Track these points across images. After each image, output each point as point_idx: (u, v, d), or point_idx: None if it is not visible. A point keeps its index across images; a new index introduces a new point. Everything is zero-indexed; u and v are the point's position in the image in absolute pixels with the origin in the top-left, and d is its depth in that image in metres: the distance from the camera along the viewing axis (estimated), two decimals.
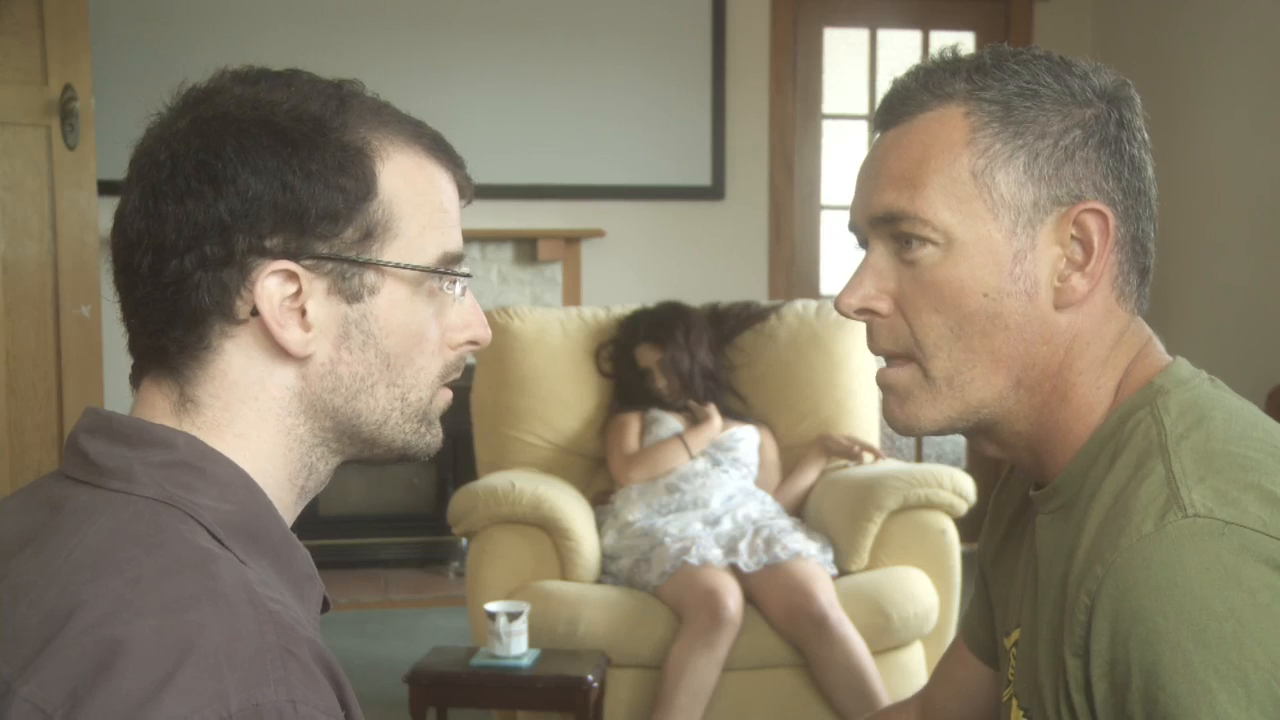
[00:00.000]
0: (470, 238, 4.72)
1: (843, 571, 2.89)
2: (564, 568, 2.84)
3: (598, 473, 3.29)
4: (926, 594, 2.83)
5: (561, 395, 3.26)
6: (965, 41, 5.16)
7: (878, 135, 0.99)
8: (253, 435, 0.83)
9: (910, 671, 2.83)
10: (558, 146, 4.81)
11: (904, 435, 1.00)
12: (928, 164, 0.92)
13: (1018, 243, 0.91)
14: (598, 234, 4.82)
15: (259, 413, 0.83)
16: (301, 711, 0.68)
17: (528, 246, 4.82)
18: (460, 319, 0.90)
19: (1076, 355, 0.93)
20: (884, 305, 0.96)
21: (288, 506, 0.86)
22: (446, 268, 0.87)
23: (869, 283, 0.96)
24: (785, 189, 5.01)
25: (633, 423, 3.19)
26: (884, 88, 0.97)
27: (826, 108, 5.10)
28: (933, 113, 0.94)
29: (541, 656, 2.55)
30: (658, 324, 3.22)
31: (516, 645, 2.51)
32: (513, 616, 2.51)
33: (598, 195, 4.86)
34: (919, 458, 5.13)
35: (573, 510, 2.89)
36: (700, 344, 3.22)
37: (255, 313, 0.81)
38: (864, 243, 0.98)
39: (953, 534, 2.94)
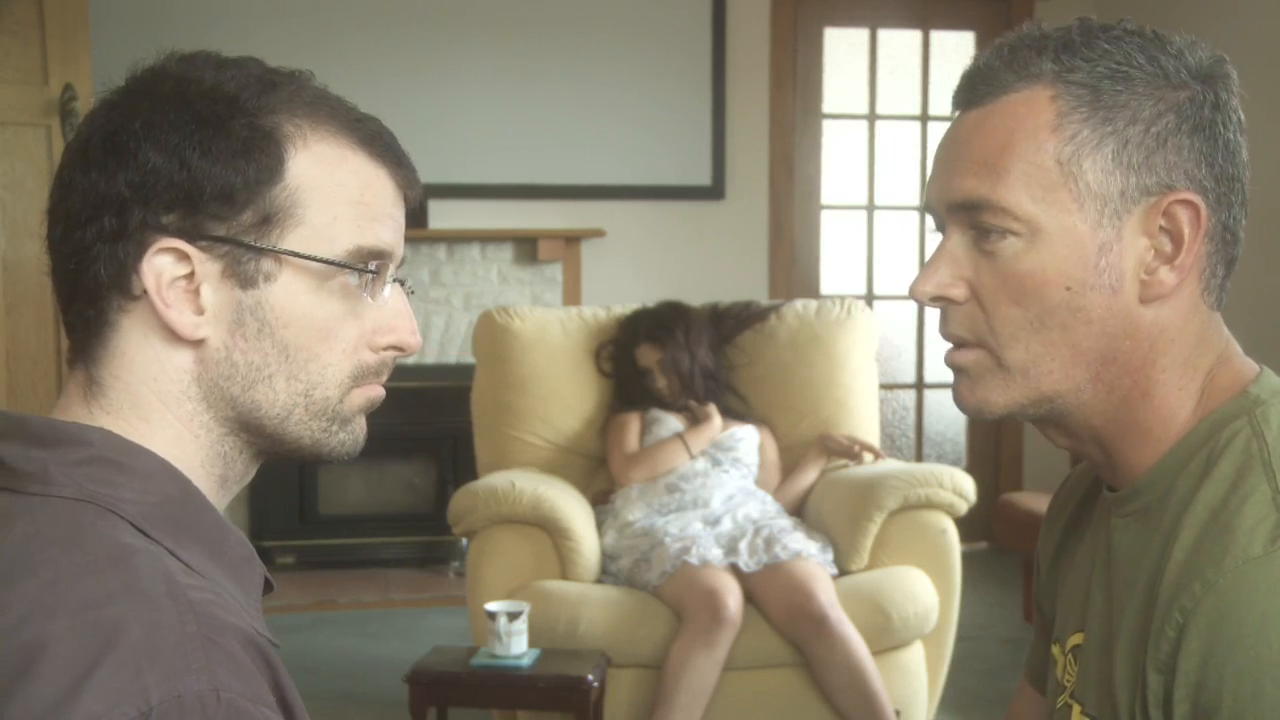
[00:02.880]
0: (470, 237, 4.73)
1: (843, 571, 2.89)
2: (564, 567, 2.84)
3: (598, 472, 3.28)
4: (927, 594, 2.83)
5: (562, 395, 3.26)
6: (965, 41, 5.17)
7: (958, 114, 0.94)
8: (156, 419, 0.81)
9: (910, 671, 2.83)
10: (558, 146, 4.81)
11: (973, 417, 0.98)
12: (1012, 150, 0.89)
13: (1103, 234, 0.88)
14: (598, 234, 4.82)
15: (159, 395, 0.81)
16: (224, 699, 0.67)
17: (528, 246, 4.82)
18: (383, 321, 0.86)
19: (1161, 352, 0.90)
20: (959, 293, 0.92)
21: (210, 495, 0.84)
22: (362, 263, 0.83)
23: (945, 269, 0.93)
24: (785, 189, 5.01)
25: (633, 422, 3.19)
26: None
27: (826, 107, 5.10)
28: (1018, 94, 0.90)
29: (541, 656, 2.55)
30: (658, 324, 3.22)
31: (516, 645, 2.51)
32: (513, 616, 2.51)
33: (598, 195, 4.86)
34: (919, 458, 5.13)
35: (573, 510, 2.89)
36: (700, 344, 3.22)
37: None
38: (941, 226, 0.95)
39: (953, 534, 2.94)
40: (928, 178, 0.97)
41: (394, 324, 0.86)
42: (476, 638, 2.79)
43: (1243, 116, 0.92)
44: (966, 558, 3.00)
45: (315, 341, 0.83)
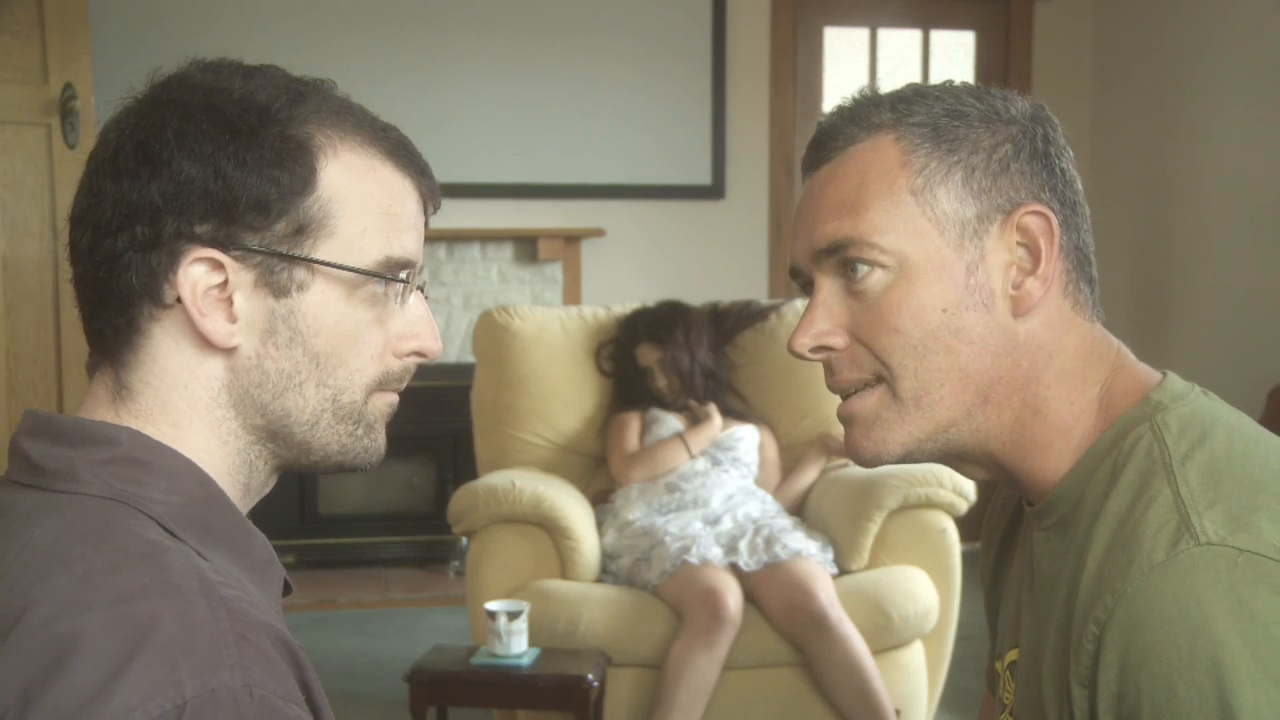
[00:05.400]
0: (470, 237, 4.73)
1: (843, 571, 2.89)
2: (564, 567, 2.84)
3: (598, 472, 3.29)
4: (927, 593, 2.83)
5: (562, 394, 3.26)
6: (965, 41, 5.17)
7: (808, 178, 0.98)
8: (186, 426, 0.82)
9: (910, 671, 2.83)
10: (558, 146, 4.81)
11: (870, 466, 0.96)
12: (866, 189, 0.92)
13: (967, 255, 0.91)
14: (598, 233, 4.82)
15: (189, 402, 0.82)
16: (257, 696, 0.68)
17: (528, 246, 4.82)
18: (407, 328, 0.87)
19: (1042, 367, 0.92)
20: (839, 340, 0.94)
21: (234, 501, 0.85)
22: (390, 273, 0.85)
23: (821, 319, 0.95)
24: (785, 189, 5.01)
25: (633, 422, 3.19)
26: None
27: (826, 107, 5.08)
28: (863, 144, 0.94)
29: (541, 656, 2.55)
30: (658, 323, 3.22)
31: (517, 644, 2.51)
32: (513, 615, 2.51)
33: (598, 194, 4.86)
34: None
35: (573, 509, 2.89)
36: (700, 343, 3.22)
37: (181, 299, 0.80)
38: (808, 285, 0.97)
39: (953, 533, 2.94)
40: (791, 243, 1.00)
41: (417, 330, 0.88)
42: (476, 637, 2.79)
43: (1073, 154, 0.97)
44: (967, 557, 3.00)
45: (344, 348, 0.84)
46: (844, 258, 0.93)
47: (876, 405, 0.94)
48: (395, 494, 4.92)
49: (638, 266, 4.88)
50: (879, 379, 0.94)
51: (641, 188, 4.89)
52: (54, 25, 2.84)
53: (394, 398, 0.90)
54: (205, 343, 0.81)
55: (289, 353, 0.83)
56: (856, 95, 0.97)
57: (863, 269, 0.92)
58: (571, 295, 4.84)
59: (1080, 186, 0.96)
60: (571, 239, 4.81)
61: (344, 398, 0.85)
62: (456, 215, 4.69)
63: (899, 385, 0.92)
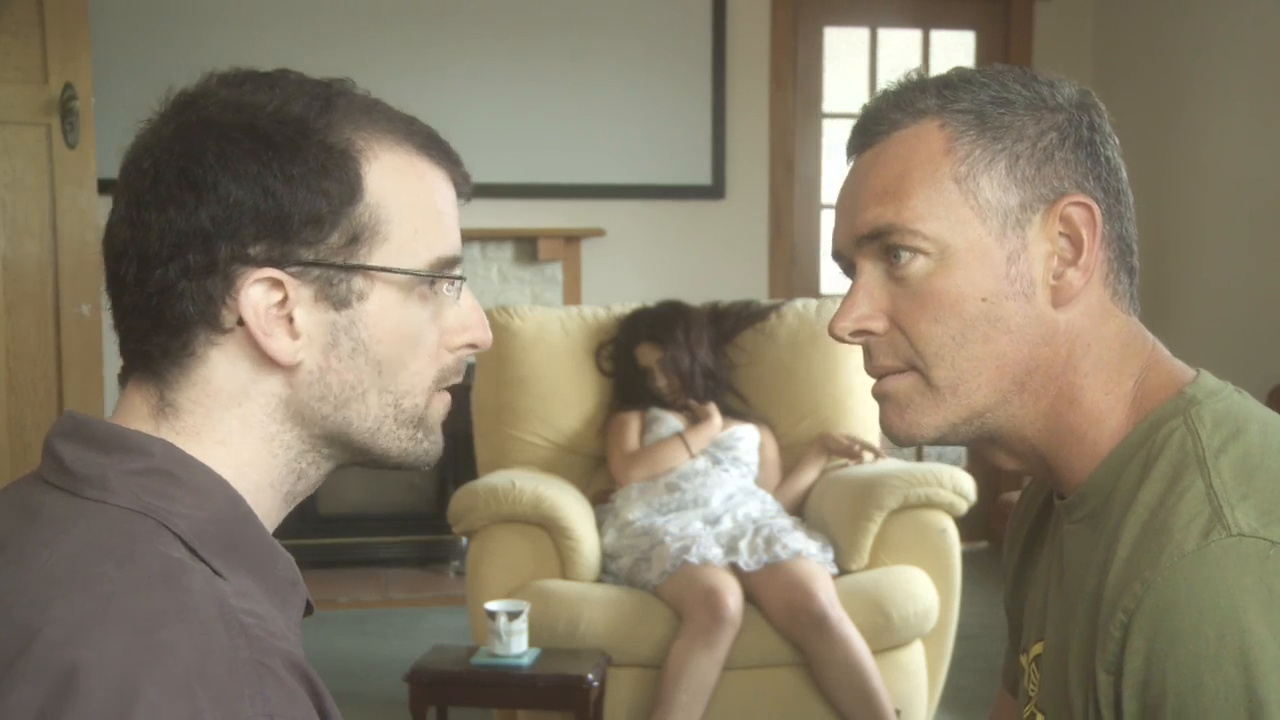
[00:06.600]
0: (470, 237, 4.72)
1: (843, 570, 2.89)
2: (564, 567, 2.84)
3: (598, 472, 3.29)
4: (927, 593, 2.83)
5: (562, 394, 3.26)
6: (965, 41, 5.17)
7: (852, 161, 0.99)
8: (235, 442, 0.81)
9: (910, 671, 2.83)
10: (558, 145, 4.81)
11: (904, 445, 0.99)
12: (910, 176, 0.92)
13: (1009, 244, 0.91)
14: (598, 233, 4.82)
15: (242, 420, 0.81)
16: None
17: (528, 245, 4.82)
18: (458, 321, 0.87)
19: (1079, 356, 0.93)
20: (879, 324, 0.95)
21: (272, 512, 0.84)
22: (441, 271, 0.84)
23: (862, 303, 0.95)
24: (785, 188, 5.01)
25: (633, 422, 3.19)
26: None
27: (827, 107, 5.10)
28: (907, 129, 0.94)
29: (542, 656, 2.56)
30: (658, 323, 3.22)
31: (517, 644, 2.51)
32: (513, 615, 2.51)
33: (598, 194, 4.86)
34: (919, 457, 5.13)
35: (573, 509, 2.89)
36: (700, 343, 3.22)
37: (242, 321, 0.79)
38: (850, 268, 0.98)
39: (953, 533, 2.94)
40: (832, 228, 1.00)
41: (468, 323, 0.88)
42: (476, 637, 2.79)
43: (1118, 141, 0.96)
44: (967, 557, 3.00)
45: (405, 352, 0.84)
46: (886, 244, 0.93)
47: (909, 389, 0.95)
48: (395, 494, 4.92)
49: (638, 266, 4.88)
50: (912, 368, 0.94)
51: (641, 188, 4.89)
52: (54, 25, 2.83)
53: (448, 398, 0.90)
54: (265, 362, 0.80)
55: (352, 363, 0.82)
56: (902, 79, 0.97)
57: (905, 255, 0.92)
58: (571, 295, 4.84)
59: (1125, 174, 0.96)
60: (571, 239, 4.82)
61: (405, 402, 0.85)
62: None
63: (934, 374, 0.93)
